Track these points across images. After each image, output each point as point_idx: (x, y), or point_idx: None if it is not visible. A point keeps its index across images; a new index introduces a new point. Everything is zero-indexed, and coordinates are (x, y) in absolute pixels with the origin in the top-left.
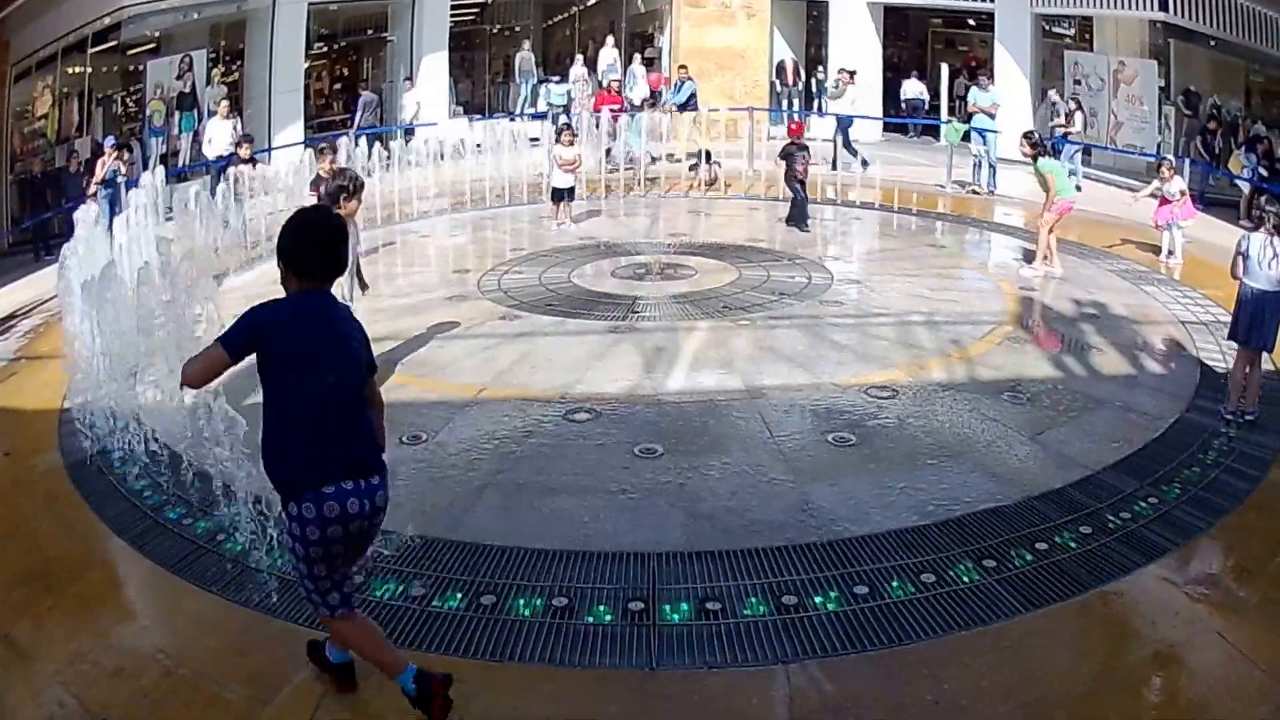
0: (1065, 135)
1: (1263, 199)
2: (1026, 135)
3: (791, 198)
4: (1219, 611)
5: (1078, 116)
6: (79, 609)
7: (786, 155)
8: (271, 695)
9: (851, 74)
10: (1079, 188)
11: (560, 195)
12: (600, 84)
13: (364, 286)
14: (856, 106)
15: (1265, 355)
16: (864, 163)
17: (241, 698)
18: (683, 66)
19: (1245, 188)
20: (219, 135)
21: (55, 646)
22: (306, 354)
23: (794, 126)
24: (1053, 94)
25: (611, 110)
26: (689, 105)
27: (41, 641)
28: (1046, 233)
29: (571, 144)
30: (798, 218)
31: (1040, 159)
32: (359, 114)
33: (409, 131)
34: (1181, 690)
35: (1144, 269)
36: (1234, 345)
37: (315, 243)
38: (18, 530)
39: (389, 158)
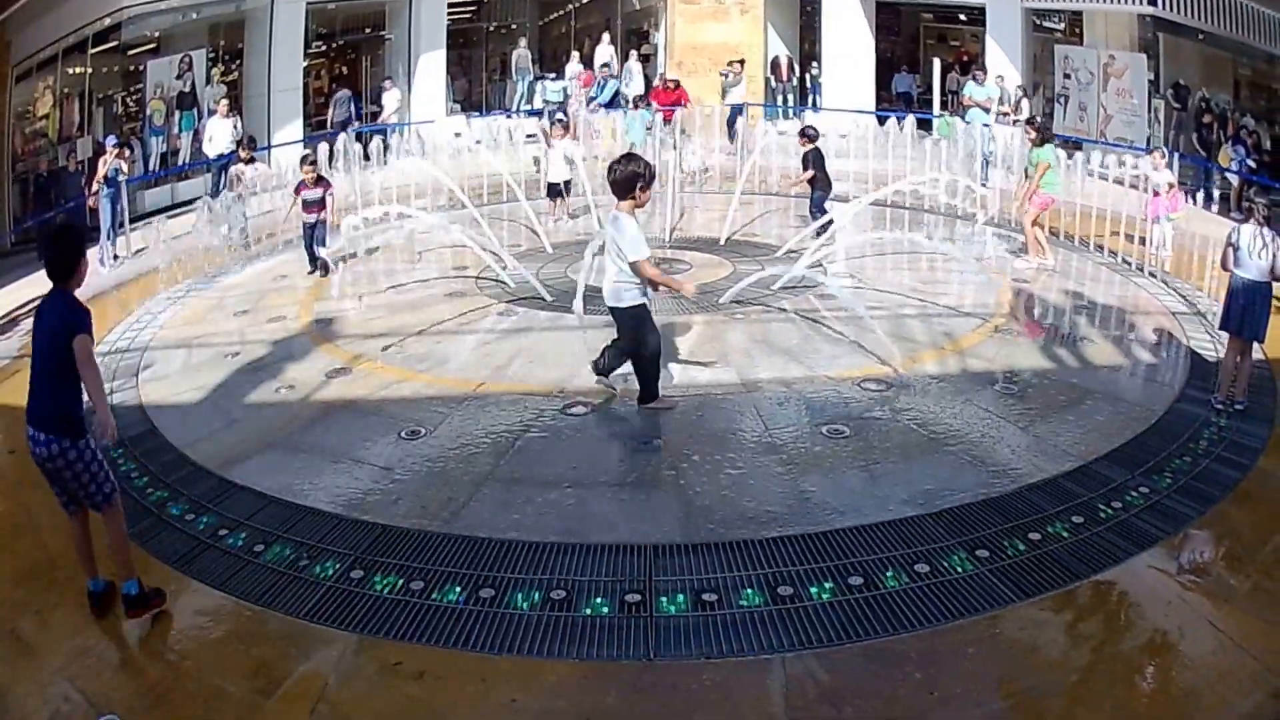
0: (1013, 121)
1: (1251, 190)
2: (1030, 120)
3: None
4: (1210, 599)
5: (1025, 104)
6: (83, 605)
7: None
8: (273, 689)
9: (741, 63)
10: None
11: (556, 190)
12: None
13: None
14: (748, 96)
15: (1255, 345)
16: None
17: (244, 692)
18: (605, 65)
19: (1235, 180)
20: (219, 134)
21: (60, 641)
22: None
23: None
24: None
25: (665, 110)
26: (614, 104)
27: (46, 636)
28: (1031, 225)
29: (562, 138)
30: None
31: (1043, 146)
32: (331, 110)
33: (380, 132)
34: (1173, 678)
35: (1134, 261)
36: (1224, 335)
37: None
38: (23, 527)
39: (386, 154)
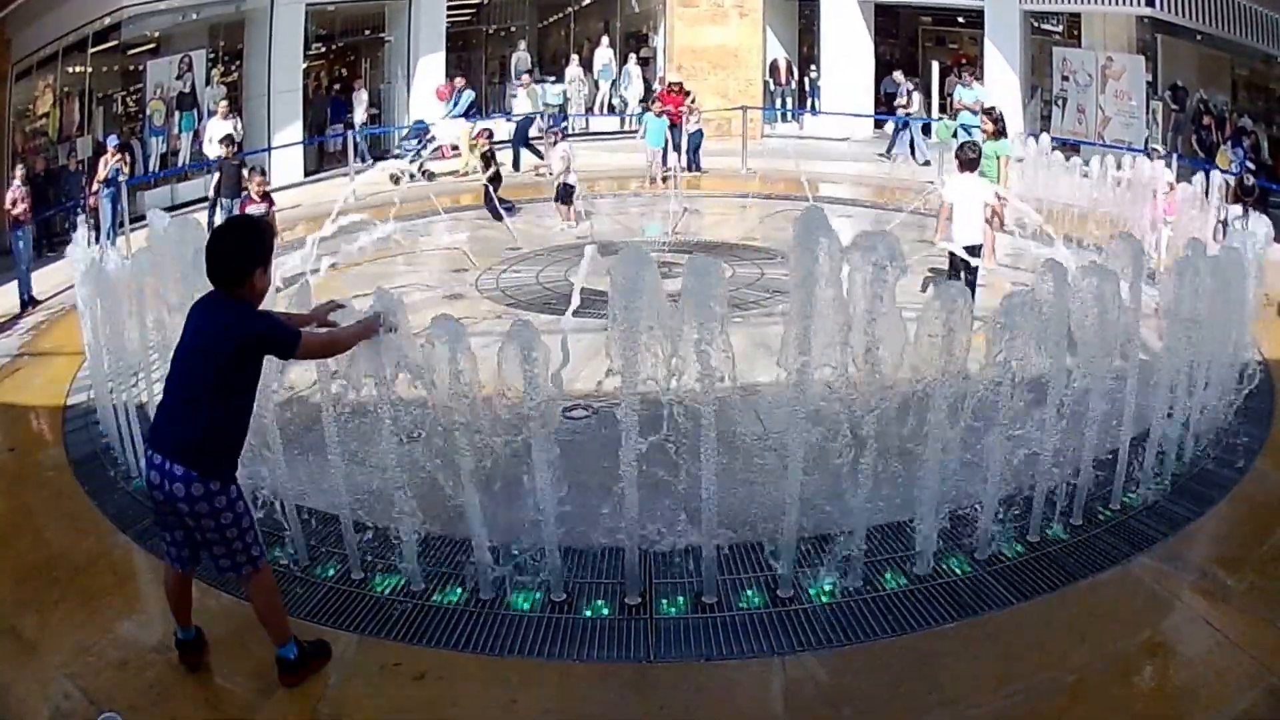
0: (908, 115)
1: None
2: (988, 111)
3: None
4: (1207, 599)
5: (915, 97)
6: (84, 602)
7: None
8: (274, 689)
9: (529, 73)
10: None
11: (562, 195)
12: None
13: None
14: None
15: None
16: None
17: (245, 691)
18: (460, 76)
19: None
20: (219, 135)
21: (61, 639)
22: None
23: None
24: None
25: (675, 113)
26: (470, 116)
27: (47, 634)
28: (992, 229)
29: (554, 145)
30: None
31: (999, 140)
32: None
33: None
34: (1171, 677)
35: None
36: None
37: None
38: (23, 524)
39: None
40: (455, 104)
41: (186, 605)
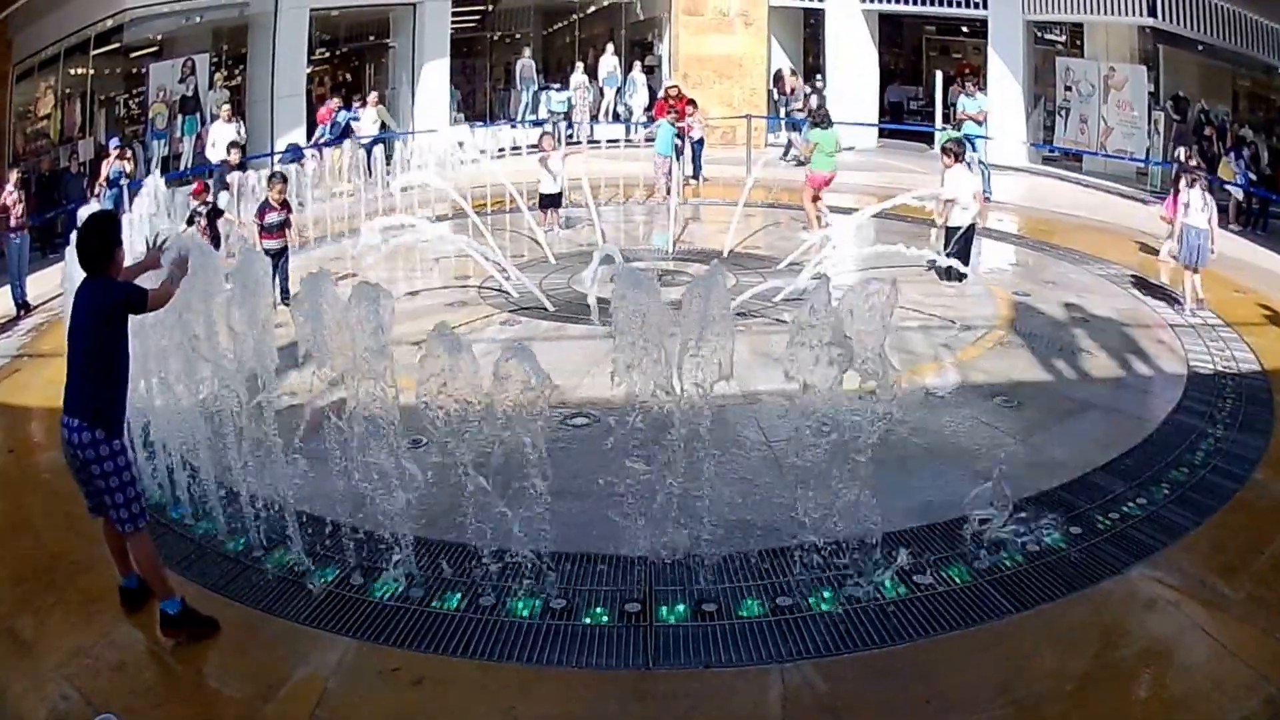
0: (804, 116)
1: (1181, 152)
2: (813, 109)
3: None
4: (1205, 609)
5: (813, 99)
6: (82, 605)
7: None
8: (272, 693)
9: (369, 98)
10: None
11: (548, 202)
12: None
13: None
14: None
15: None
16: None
17: (243, 694)
18: (229, 104)
19: (1239, 193)
20: (222, 139)
21: (58, 640)
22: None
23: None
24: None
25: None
26: (343, 139)
27: (44, 636)
28: (810, 202)
29: (552, 150)
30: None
31: (814, 129)
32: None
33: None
34: (1169, 686)
35: (1134, 273)
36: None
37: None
38: (22, 526)
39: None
40: (329, 129)
41: (121, 551)
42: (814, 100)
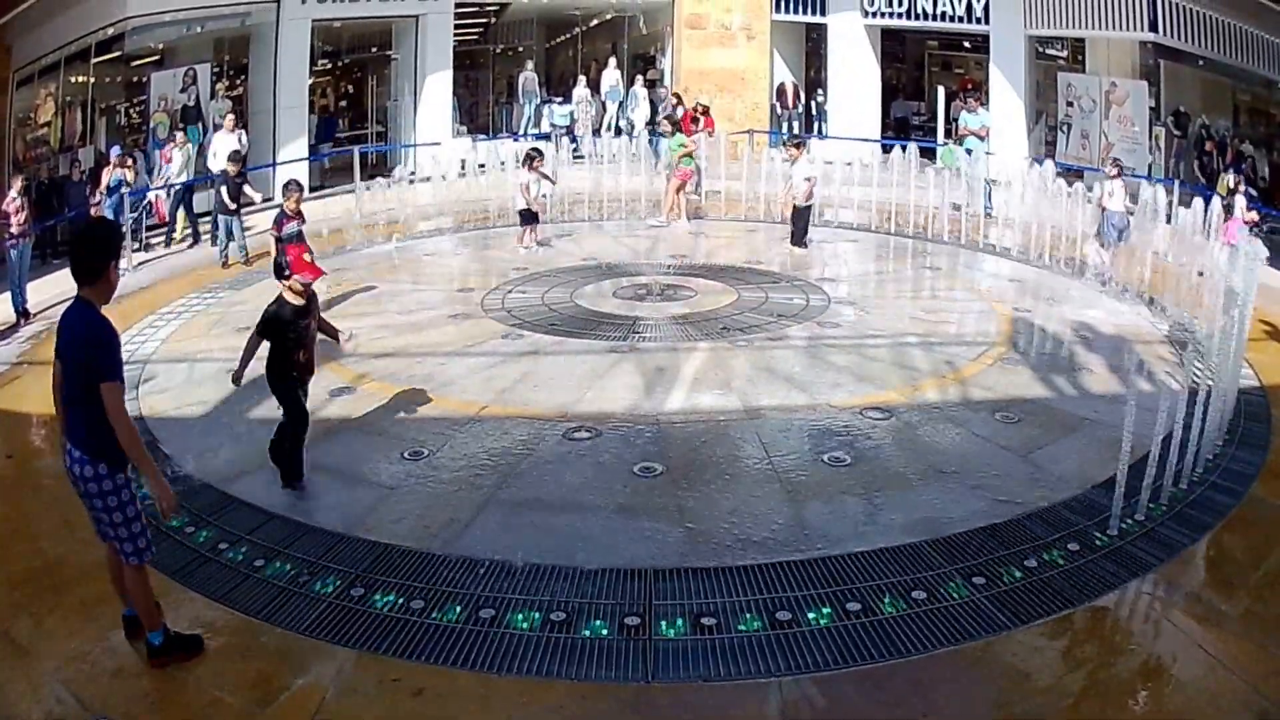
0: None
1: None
2: (667, 118)
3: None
4: (1202, 624)
5: (678, 110)
6: (80, 610)
7: None
8: (271, 701)
9: (226, 121)
10: None
11: (527, 218)
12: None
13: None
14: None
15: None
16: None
17: (240, 702)
18: (232, 114)
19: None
20: (224, 149)
21: (55, 645)
22: None
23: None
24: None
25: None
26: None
27: (42, 640)
28: (674, 193)
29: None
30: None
31: (674, 136)
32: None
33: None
34: (1165, 701)
35: (1134, 289)
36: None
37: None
38: (21, 531)
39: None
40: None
41: (122, 583)
42: (661, 118)
